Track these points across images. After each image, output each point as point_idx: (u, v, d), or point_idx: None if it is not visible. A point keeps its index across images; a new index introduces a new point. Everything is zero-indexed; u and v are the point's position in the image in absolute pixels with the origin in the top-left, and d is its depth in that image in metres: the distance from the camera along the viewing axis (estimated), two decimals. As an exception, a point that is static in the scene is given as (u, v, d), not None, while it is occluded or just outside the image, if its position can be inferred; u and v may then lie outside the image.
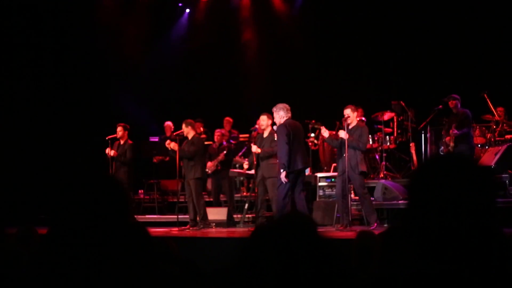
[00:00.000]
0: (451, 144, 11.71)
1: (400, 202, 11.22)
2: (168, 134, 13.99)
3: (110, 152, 12.11)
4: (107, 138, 12.25)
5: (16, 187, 13.84)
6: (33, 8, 14.78)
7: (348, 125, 10.42)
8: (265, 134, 10.92)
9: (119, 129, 12.20)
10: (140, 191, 14.35)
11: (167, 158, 13.59)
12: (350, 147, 10.18)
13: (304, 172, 10.59)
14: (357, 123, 10.47)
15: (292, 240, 1.46)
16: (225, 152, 12.55)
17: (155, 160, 14.18)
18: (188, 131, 11.32)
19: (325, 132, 10.60)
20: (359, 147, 10.22)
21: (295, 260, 1.42)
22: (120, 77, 15.69)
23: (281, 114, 10.29)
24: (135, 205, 13.45)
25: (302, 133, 10.59)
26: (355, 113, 10.58)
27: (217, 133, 12.87)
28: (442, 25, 13.92)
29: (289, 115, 10.32)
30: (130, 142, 12.29)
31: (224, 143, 12.84)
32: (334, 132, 12.92)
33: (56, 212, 1.92)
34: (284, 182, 10.04)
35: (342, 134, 10.24)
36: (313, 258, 1.44)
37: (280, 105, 10.34)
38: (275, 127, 10.45)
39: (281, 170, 10.05)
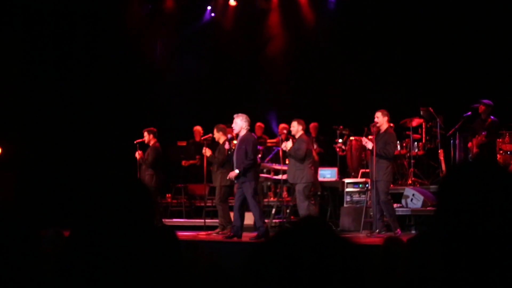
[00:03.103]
0: (475, 150, 11.62)
1: (428, 208, 11.13)
2: (197, 138, 14.04)
3: (137, 155, 12.19)
4: (135, 142, 12.32)
5: (46, 190, 13.98)
6: (65, 15, 14.96)
7: (379, 129, 10.47)
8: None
9: (145, 134, 12.26)
10: (167, 195, 14.42)
11: (197, 162, 13.67)
12: (377, 155, 10.22)
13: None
14: (386, 129, 10.51)
15: (312, 243, 1.45)
16: (259, 155, 12.57)
17: (184, 164, 14.24)
18: (219, 137, 11.33)
19: (368, 144, 10.58)
20: (385, 155, 10.26)
21: (315, 264, 1.41)
22: (151, 81, 15.79)
23: (245, 125, 10.41)
24: (162, 209, 13.51)
25: None
26: (386, 118, 10.59)
27: None
28: (473, 31, 13.79)
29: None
30: (154, 145, 12.31)
31: (259, 147, 12.92)
32: (362, 138, 12.92)
33: (80, 214, 1.93)
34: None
35: (369, 145, 10.32)
36: (332, 262, 1.43)
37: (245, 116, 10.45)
38: (243, 133, 10.42)
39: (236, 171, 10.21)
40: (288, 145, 10.74)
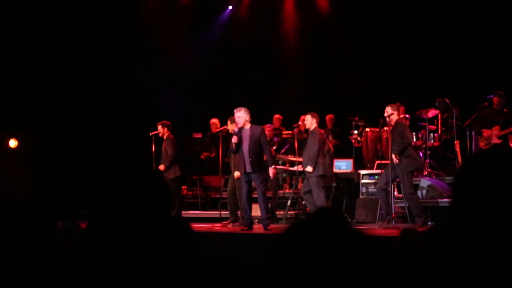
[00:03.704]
0: (494, 141, 11.58)
1: (444, 200, 11.08)
2: (213, 131, 14.06)
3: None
4: (150, 134, 12.37)
5: (62, 183, 14.08)
6: (83, 7, 15.03)
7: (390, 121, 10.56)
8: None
9: (159, 127, 12.30)
10: (183, 187, 14.45)
11: (213, 154, 13.70)
12: (398, 151, 10.43)
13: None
14: (395, 121, 10.59)
15: (327, 235, 1.45)
16: (274, 147, 12.57)
17: (202, 157, 14.29)
18: (233, 128, 11.36)
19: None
20: (404, 145, 10.41)
21: (330, 256, 1.41)
22: (166, 74, 15.82)
23: (248, 118, 10.53)
24: (184, 202, 13.52)
25: None
26: (395, 112, 10.63)
27: (268, 128, 12.86)
28: (488, 21, 13.69)
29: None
30: (170, 136, 12.34)
31: (275, 138, 12.91)
32: (377, 129, 12.89)
33: (97, 206, 1.94)
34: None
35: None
36: (347, 254, 1.42)
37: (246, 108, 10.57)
38: (248, 126, 10.51)
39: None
40: (308, 169, 10.82)
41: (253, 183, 10.52)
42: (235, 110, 10.57)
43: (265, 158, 10.58)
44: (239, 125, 10.48)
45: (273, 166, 10.61)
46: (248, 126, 10.47)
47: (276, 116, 14.53)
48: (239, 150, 10.45)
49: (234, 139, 10.41)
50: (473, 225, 1.58)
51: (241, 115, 10.43)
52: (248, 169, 10.34)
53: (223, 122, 12.48)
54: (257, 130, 10.47)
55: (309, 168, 10.77)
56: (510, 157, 1.64)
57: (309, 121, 10.93)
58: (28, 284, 2.10)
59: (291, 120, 12.78)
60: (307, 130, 11.51)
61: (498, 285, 1.54)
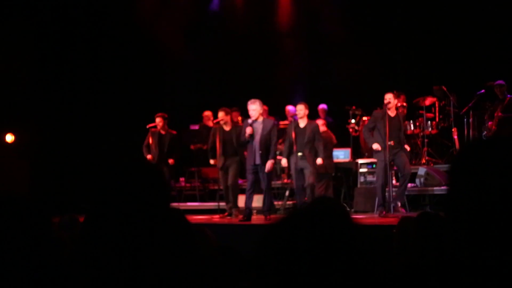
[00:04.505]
0: (494, 128, 11.57)
1: (442, 188, 11.10)
2: (207, 123, 14.01)
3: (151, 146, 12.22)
4: (147, 127, 12.35)
5: (60, 177, 14.06)
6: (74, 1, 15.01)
7: (387, 111, 10.59)
8: (302, 124, 10.90)
9: (159, 119, 12.23)
10: (181, 178, 14.45)
11: (205, 146, 13.67)
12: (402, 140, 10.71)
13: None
14: (396, 111, 10.66)
15: (323, 224, 1.44)
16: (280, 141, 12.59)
17: (192, 147, 14.25)
18: (228, 120, 11.43)
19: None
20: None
21: (326, 245, 1.41)
22: (162, 65, 15.78)
23: (262, 110, 10.82)
24: (176, 193, 13.56)
25: None
26: (396, 100, 10.66)
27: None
28: (485, 7, 13.65)
29: None
30: (172, 132, 12.31)
31: None
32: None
33: (94, 199, 1.93)
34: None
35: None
36: (344, 243, 1.42)
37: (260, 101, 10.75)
38: (261, 119, 10.67)
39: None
40: (318, 161, 10.83)
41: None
42: (249, 102, 10.71)
43: None
44: (253, 118, 10.63)
45: (272, 161, 10.66)
46: (261, 119, 10.69)
47: (287, 107, 14.48)
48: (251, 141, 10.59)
49: (249, 130, 10.51)
50: (469, 212, 1.57)
51: (256, 108, 10.62)
52: (258, 161, 10.53)
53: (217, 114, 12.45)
54: (269, 123, 10.70)
55: (319, 160, 10.79)
56: (507, 144, 1.63)
57: (303, 111, 10.92)
58: (26, 279, 2.10)
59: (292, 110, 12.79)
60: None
61: (495, 272, 1.53)
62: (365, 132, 10.91)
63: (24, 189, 12.78)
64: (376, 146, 10.44)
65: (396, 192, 10.65)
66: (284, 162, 11.01)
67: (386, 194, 10.58)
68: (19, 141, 14.30)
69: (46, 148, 14.30)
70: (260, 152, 10.50)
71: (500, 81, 11.83)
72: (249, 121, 10.63)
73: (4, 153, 13.89)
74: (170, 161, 12.14)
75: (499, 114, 11.51)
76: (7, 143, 14.21)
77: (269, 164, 10.59)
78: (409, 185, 11.06)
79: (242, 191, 11.39)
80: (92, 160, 13.40)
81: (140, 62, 15.54)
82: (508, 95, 11.79)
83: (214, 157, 11.61)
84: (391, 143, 10.42)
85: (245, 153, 11.05)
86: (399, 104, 11.33)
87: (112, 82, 15.32)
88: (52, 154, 14.28)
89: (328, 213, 1.47)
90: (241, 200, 11.18)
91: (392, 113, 10.64)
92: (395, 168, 10.89)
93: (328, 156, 11.92)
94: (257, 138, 10.54)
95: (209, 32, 16.60)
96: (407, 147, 10.89)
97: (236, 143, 11.22)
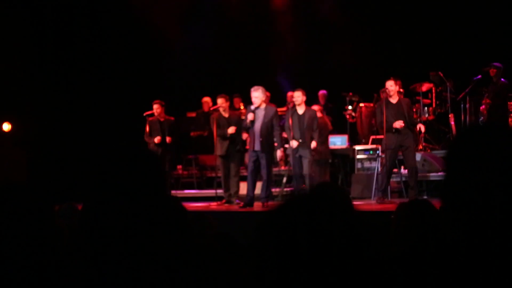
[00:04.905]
0: (485, 113, 11.59)
1: (439, 174, 11.11)
2: (206, 109, 14.00)
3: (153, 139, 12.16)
4: (144, 115, 12.31)
5: (57, 165, 14.05)
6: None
7: (388, 98, 10.55)
8: (300, 111, 10.88)
9: (156, 106, 12.16)
10: (178, 166, 14.43)
11: (205, 133, 13.67)
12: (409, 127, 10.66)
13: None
14: (399, 98, 10.66)
15: (322, 210, 1.44)
16: None
17: (192, 134, 14.24)
18: (226, 106, 11.47)
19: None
20: (413, 125, 10.75)
21: (324, 231, 1.41)
22: (158, 52, 15.73)
23: (264, 97, 10.87)
24: (173, 180, 13.55)
25: None
26: (396, 87, 10.67)
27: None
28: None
29: None
30: (170, 118, 12.27)
31: None
32: (372, 104, 12.89)
33: (91, 187, 1.94)
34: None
35: (397, 124, 10.36)
36: (343, 229, 1.42)
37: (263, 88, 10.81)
38: (263, 106, 10.73)
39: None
40: (313, 144, 10.82)
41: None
42: (252, 89, 10.76)
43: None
44: (255, 105, 10.68)
45: (281, 149, 10.84)
46: (263, 106, 10.73)
47: (290, 93, 14.45)
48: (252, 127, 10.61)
49: (251, 116, 10.55)
50: (466, 198, 1.58)
51: (258, 95, 10.68)
52: (257, 147, 10.58)
53: (216, 101, 12.43)
54: (271, 111, 10.75)
55: (313, 143, 10.78)
56: (503, 130, 1.64)
57: (300, 98, 10.87)
58: (26, 267, 2.10)
59: (283, 98, 12.77)
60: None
61: (491, 257, 1.54)
62: (380, 123, 10.72)
63: (22, 178, 12.78)
64: (399, 123, 10.38)
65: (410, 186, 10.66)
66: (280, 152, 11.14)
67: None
68: (16, 130, 14.28)
69: (43, 136, 14.28)
70: (261, 139, 10.54)
71: (496, 63, 11.80)
72: (252, 107, 10.66)
73: (1, 141, 13.88)
74: (168, 139, 12.02)
75: (487, 101, 11.51)
76: (4, 131, 14.19)
77: (279, 152, 10.86)
78: (405, 171, 11.04)
79: (242, 178, 11.43)
80: (89, 149, 13.39)
81: (136, 49, 15.49)
82: (502, 79, 11.76)
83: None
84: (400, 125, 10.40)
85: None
86: (401, 90, 11.36)
87: (108, 69, 15.27)
88: (49, 142, 14.27)
89: (326, 199, 1.47)
90: (243, 188, 11.22)
91: (394, 99, 10.63)
92: (400, 153, 10.80)
93: (323, 142, 11.91)
94: (258, 125, 10.58)
95: (205, 17, 16.51)
96: (421, 127, 10.89)
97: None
